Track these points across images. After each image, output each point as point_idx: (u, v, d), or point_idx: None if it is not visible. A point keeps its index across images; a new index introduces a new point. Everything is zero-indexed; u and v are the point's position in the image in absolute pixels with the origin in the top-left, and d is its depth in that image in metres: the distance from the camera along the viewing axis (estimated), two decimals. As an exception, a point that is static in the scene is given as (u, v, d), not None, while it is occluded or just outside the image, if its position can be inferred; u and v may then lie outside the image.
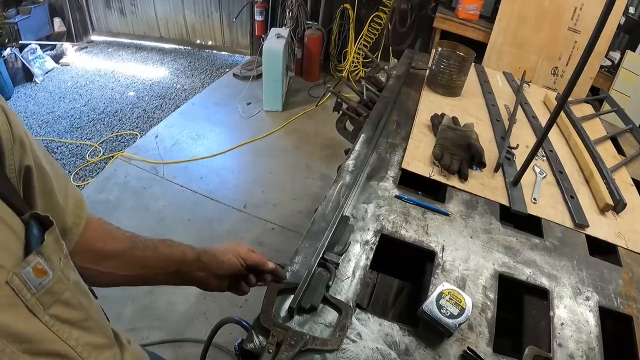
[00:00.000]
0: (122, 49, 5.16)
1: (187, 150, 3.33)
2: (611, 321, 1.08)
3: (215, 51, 5.30)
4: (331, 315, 0.87)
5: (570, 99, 2.06)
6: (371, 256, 1.01)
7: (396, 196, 1.20)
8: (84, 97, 4.06)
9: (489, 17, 3.21)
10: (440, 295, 0.88)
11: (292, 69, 4.61)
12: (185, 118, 3.75)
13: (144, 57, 4.98)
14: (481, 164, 1.37)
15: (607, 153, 1.74)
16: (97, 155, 3.26)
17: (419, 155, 1.40)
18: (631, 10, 2.94)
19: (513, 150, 1.50)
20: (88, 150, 3.31)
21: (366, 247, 1.03)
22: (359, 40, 4.23)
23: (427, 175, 1.31)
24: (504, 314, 1.35)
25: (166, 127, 3.59)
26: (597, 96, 2.35)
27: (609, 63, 3.03)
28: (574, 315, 1.02)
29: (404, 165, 1.33)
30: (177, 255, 0.78)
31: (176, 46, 5.32)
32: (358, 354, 0.81)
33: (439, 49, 1.79)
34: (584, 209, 1.35)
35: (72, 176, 3.03)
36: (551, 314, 1.02)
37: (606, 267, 1.19)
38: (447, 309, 0.86)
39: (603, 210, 1.38)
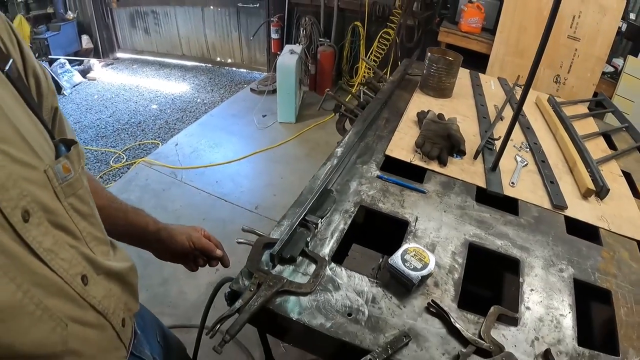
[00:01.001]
0: (146, 65, 5.51)
1: (204, 157, 3.54)
2: (589, 295, 1.12)
3: (234, 68, 5.58)
4: (309, 268, 0.99)
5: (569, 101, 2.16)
6: (349, 222, 1.13)
7: (377, 176, 1.33)
8: (109, 109, 4.36)
9: (491, 29, 3.34)
10: (405, 251, 0.99)
11: (305, 83, 4.82)
12: (204, 128, 3.98)
13: (167, 73, 5.31)
14: (461, 152, 1.48)
15: (598, 148, 1.80)
16: (121, 162, 3.50)
17: (403, 144, 1.52)
18: (632, 16, 3.01)
19: (495, 142, 1.60)
20: (112, 157, 3.56)
21: (345, 215, 1.16)
22: (369, 56, 4.41)
23: (408, 161, 1.43)
24: (485, 291, 1.45)
25: (186, 136, 3.82)
26: (593, 98, 2.42)
27: (611, 69, 3.10)
28: (546, 283, 1.06)
29: (387, 152, 1.45)
30: (141, 225, 0.95)
31: (197, 63, 5.63)
32: (329, 298, 0.92)
33: (429, 54, 1.93)
34: (565, 194, 1.40)
35: (97, 180, 3.27)
36: (521, 280, 1.06)
37: (585, 245, 1.22)
38: (411, 263, 0.97)
39: (585, 195, 1.43)
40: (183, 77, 5.22)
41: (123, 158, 3.54)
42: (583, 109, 2.23)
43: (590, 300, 1.17)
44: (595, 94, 3.00)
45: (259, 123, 4.15)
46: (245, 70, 5.54)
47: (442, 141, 1.47)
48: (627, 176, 1.66)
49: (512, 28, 3.08)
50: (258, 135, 3.98)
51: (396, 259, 0.97)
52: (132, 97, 4.65)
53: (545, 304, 1.01)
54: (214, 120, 4.17)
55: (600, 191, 1.43)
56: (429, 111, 1.67)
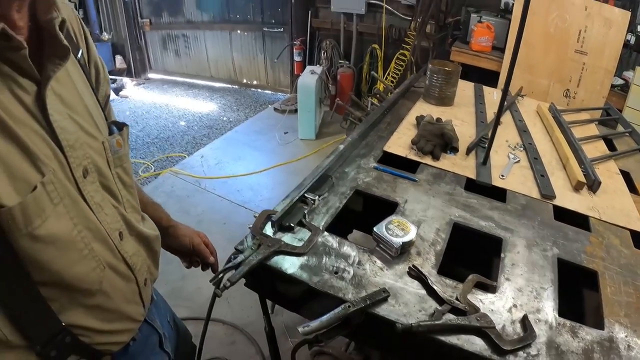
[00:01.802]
0: (176, 86, 5.88)
1: (227, 169, 3.76)
2: (577, 277, 1.16)
3: (259, 89, 5.86)
4: (305, 235, 1.12)
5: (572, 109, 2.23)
6: (344, 202, 1.26)
7: (374, 167, 1.46)
8: (140, 125, 4.69)
9: (501, 48, 3.46)
10: (390, 222, 1.11)
11: (326, 103, 5.03)
12: (228, 143, 4.23)
13: (196, 93, 5.65)
14: (454, 149, 1.60)
15: (596, 149, 1.87)
16: (149, 171, 3.76)
17: (400, 142, 1.65)
18: (640, 29, 3.08)
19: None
20: (141, 167, 3.83)
21: (341, 196, 1.29)
22: (386, 76, 4.59)
23: (404, 155, 1.56)
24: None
25: (211, 149, 4.08)
26: (597, 107, 2.50)
27: (621, 82, 3.16)
28: (528, 260, 1.11)
29: (385, 148, 1.59)
30: (155, 218, 1.07)
31: (224, 85, 5.96)
32: (319, 259, 1.05)
33: (430, 66, 2.08)
34: (556, 187, 1.47)
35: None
36: (502, 255, 1.13)
37: (572, 231, 1.27)
38: (393, 231, 1.09)
39: (576, 187, 1.49)
40: (211, 97, 5.54)
41: (151, 168, 3.81)
42: (587, 116, 2.30)
43: (579, 283, 1.21)
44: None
45: (280, 139, 4.36)
46: (269, 92, 5.82)
47: (436, 139, 1.60)
48: (627, 175, 1.72)
49: (521, 45, 3.18)
50: (279, 150, 4.18)
51: (381, 227, 1.10)
52: (161, 114, 4.98)
53: (525, 277, 1.07)
54: (238, 136, 4.42)
55: (592, 184, 1.49)
56: (427, 115, 1.81)
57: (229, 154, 4.00)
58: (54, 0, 0.66)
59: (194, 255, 1.20)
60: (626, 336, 0.95)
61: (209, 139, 4.40)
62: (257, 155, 4.04)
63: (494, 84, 3.38)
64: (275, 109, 5.04)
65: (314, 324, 0.88)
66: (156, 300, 1.08)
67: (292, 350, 1.15)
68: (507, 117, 2.05)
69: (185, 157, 4.00)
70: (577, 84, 3.13)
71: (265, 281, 1.09)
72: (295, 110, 4.61)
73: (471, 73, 3.30)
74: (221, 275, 0.99)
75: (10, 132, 0.57)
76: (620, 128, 2.31)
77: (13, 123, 0.57)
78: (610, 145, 2.01)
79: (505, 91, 1.41)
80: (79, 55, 0.75)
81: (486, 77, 3.27)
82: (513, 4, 3.45)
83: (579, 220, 1.37)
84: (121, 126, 0.83)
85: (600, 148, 1.92)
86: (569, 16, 3.00)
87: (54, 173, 0.62)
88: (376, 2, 4.43)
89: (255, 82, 5.89)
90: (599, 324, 0.99)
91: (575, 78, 3.11)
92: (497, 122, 1.47)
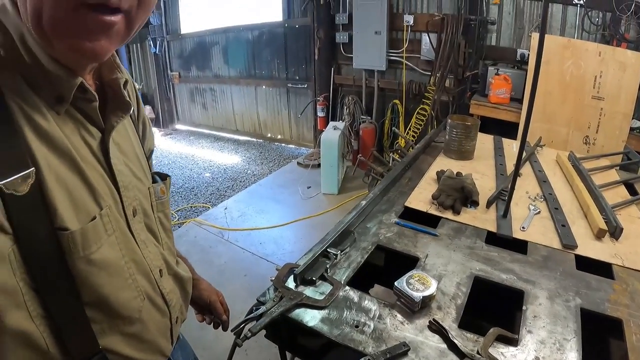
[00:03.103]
0: (202, 137, 6.16)
1: (250, 221, 3.84)
2: (601, 327, 1.13)
3: (283, 144, 6.06)
4: (327, 289, 1.14)
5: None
6: (365, 257, 1.29)
7: (395, 222, 1.50)
8: (165, 174, 4.91)
9: (520, 98, 3.53)
10: (410, 277, 1.13)
11: (348, 159, 5.13)
12: (252, 196, 4.34)
13: (221, 146, 5.89)
14: (474, 203, 1.62)
15: (617, 195, 1.84)
16: (173, 220, 3.86)
17: (421, 197, 1.69)
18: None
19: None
20: (165, 216, 3.97)
21: (363, 251, 1.32)
22: (407, 131, 4.70)
23: (425, 210, 1.59)
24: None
25: (235, 202, 4.19)
26: (616, 152, 2.49)
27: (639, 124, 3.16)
28: (550, 311, 1.10)
29: (406, 204, 1.63)
30: None
31: (249, 138, 6.20)
32: (340, 313, 1.07)
33: (449, 120, 2.15)
34: (577, 236, 1.45)
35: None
36: (524, 308, 1.12)
37: (595, 279, 1.25)
38: (414, 286, 1.10)
39: (598, 235, 1.47)
40: (235, 150, 5.76)
41: (175, 217, 3.95)
42: (607, 162, 2.27)
43: (604, 332, 1.19)
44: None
45: (303, 193, 4.45)
46: (293, 146, 6.00)
47: (456, 193, 1.63)
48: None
49: (538, 95, 3.19)
50: (302, 204, 4.26)
51: (401, 282, 1.12)
52: (187, 165, 5.21)
53: (548, 329, 1.05)
54: (262, 189, 4.54)
55: (614, 232, 1.47)
56: (447, 170, 1.85)
57: (253, 207, 4.10)
58: (118, 64, 0.78)
59: (207, 311, 1.25)
60: (654, 385, 0.91)
61: (233, 191, 4.53)
62: (280, 208, 4.12)
63: (513, 136, 3.41)
64: (298, 164, 5.18)
65: (335, 377, 0.89)
66: (182, 342, 1.12)
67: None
68: (526, 168, 2.07)
69: (209, 207, 4.13)
70: (596, 130, 3.13)
71: (286, 333, 1.11)
72: (319, 165, 4.72)
73: (491, 125, 3.35)
74: (243, 325, 1.02)
75: (78, 168, 0.66)
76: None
77: (81, 161, 0.67)
78: (632, 190, 1.98)
79: (522, 143, 1.45)
80: (131, 111, 0.86)
81: (506, 129, 3.31)
82: (529, 54, 3.56)
83: (602, 268, 1.35)
84: (164, 177, 0.94)
85: (622, 193, 1.90)
86: (584, 63, 3.06)
87: (110, 208, 0.71)
88: (396, 58, 4.63)
89: (279, 137, 6.10)
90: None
91: (594, 124, 3.12)
92: (515, 174, 1.50)
